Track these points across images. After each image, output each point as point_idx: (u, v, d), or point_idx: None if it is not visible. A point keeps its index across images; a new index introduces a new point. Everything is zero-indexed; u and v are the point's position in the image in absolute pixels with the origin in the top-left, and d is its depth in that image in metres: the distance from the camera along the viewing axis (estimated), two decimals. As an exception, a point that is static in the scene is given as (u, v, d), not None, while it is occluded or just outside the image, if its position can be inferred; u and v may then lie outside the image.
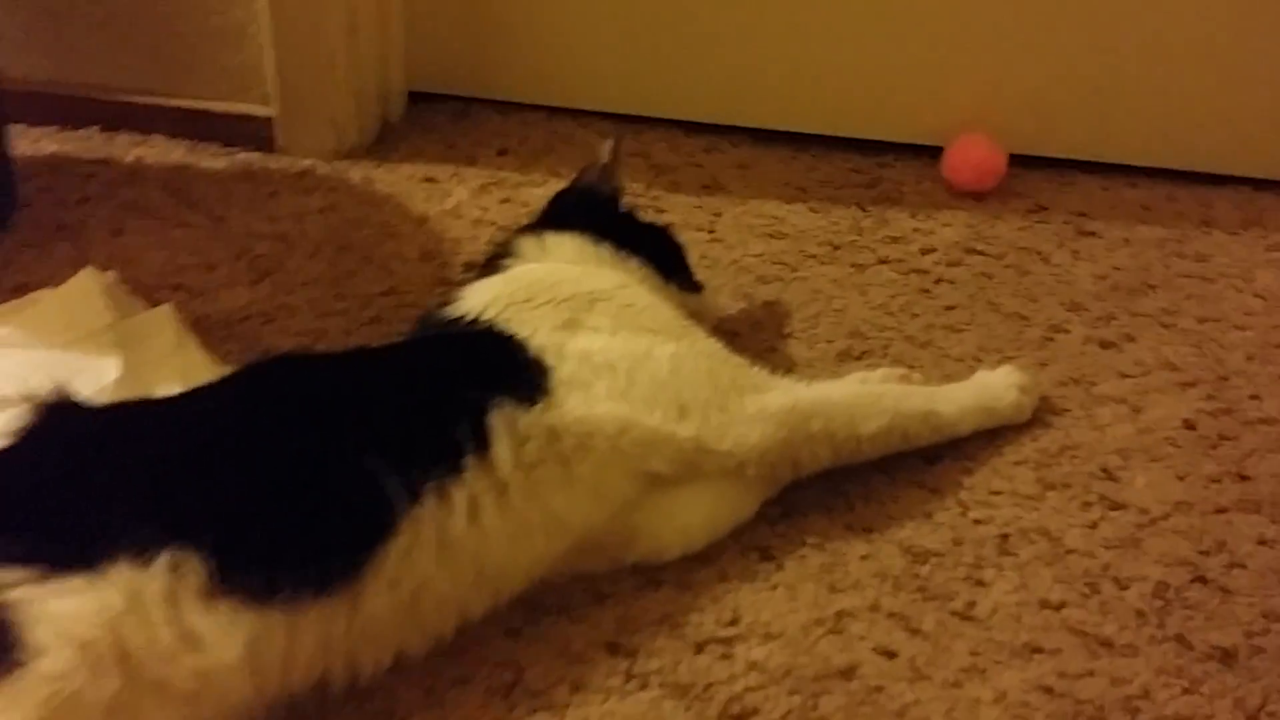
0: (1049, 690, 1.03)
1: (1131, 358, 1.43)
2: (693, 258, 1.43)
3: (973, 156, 1.72)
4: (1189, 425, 1.32)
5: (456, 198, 1.69)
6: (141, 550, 0.90)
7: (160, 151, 1.76)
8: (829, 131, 1.84)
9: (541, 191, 1.70)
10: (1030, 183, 1.76)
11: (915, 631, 1.09)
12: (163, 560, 0.90)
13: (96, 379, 1.24)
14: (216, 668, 0.90)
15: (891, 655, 1.06)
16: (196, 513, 0.93)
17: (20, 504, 0.94)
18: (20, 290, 1.43)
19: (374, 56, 1.79)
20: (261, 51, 1.72)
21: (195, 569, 0.90)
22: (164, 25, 1.74)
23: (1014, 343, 1.45)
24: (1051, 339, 1.46)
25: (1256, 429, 1.32)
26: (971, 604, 1.11)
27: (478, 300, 1.21)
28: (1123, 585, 1.13)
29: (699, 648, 1.07)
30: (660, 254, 1.36)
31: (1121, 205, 1.72)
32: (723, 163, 1.81)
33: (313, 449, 1.00)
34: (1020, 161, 1.76)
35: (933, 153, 1.78)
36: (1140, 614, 1.10)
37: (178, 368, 1.30)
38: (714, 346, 1.23)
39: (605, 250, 1.30)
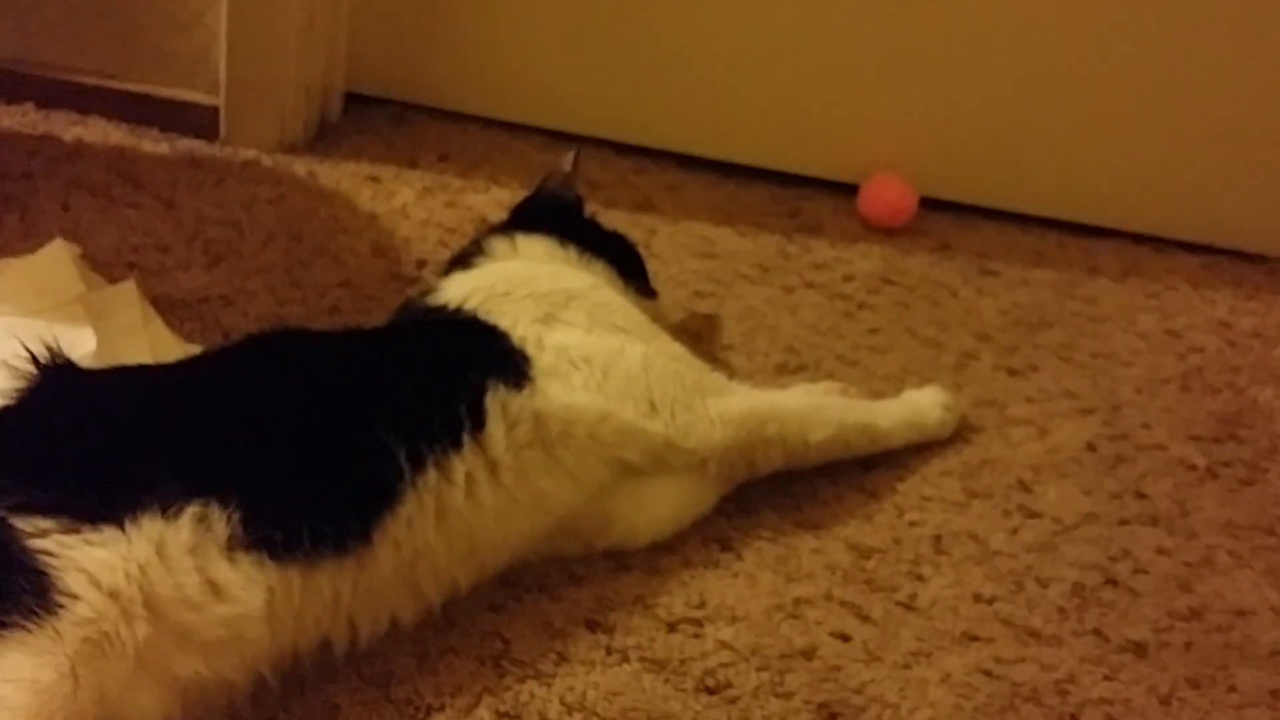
0: (988, 673, 1.14)
1: (1036, 385, 1.56)
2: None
3: (888, 196, 1.85)
4: (1090, 447, 1.46)
5: (402, 198, 1.73)
6: (168, 503, 0.93)
7: (99, 132, 1.75)
8: (752, 162, 1.94)
9: (485, 198, 1.76)
10: (935, 223, 1.89)
11: (865, 619, 1.18)
12: (189, 513, 0.94)
13: (71, 349, 1.25)
14: (239, 618, 0.94)
15: (846, 639, 1.16)
16: (220, 469, 0.97)
17: (44, 457, 0.96)
18: (-29, 259, 1.42)
19: (323, 54, 1.82)
20: (213, 40, 1.73)
21: (220, 522, 0.94)
22: (115, 5, 1.74)
23: (932, 366, 1.57)
24: (965, 365, 1.58)
25: (1150, 453, 1.46)
26: (914, 596, 1.22)
27: (458, 291, 1.27)
28: (1044, 584, 1.25)
29: (671, 627, 1.14)
30: (621, 259, 1.43)
31: (1017, 249, 1.87)
32: (652, 184, 1.90)
33: (327, 415, 1.05)
34: (926, 203, 1.90)
35: (846, 189, 1.90)
36: (1061, 610, 1.22)
37: (145, 342, 1.32)
38: (679, 349, 1.31)
39: (572, 252, 1.38)
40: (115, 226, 1.55)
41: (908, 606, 1.21)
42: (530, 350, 1.18)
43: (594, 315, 1.26)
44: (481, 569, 1.12)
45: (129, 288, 1.38)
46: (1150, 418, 1.53)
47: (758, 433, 1.26)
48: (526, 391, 1.14)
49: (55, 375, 1.03)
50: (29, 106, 1.77)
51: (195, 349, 1.33)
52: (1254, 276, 1.88)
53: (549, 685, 1.07)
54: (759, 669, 1.11)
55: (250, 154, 1.77)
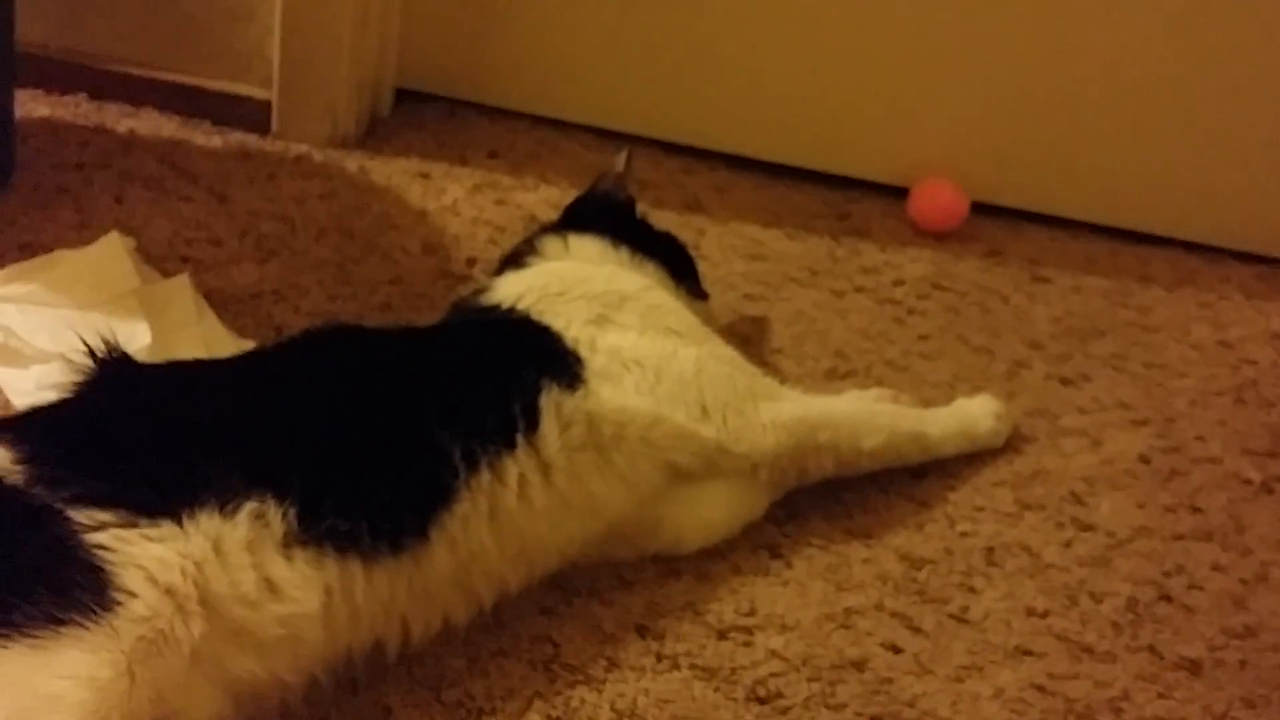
0: (1041, 689, 1.13)
1: (1088, 395, 1.55)
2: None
3: (940, 200, 1.83)
4: (1144, 459, 1.44)
5: (452, 195, 1.73)
6: (226, 499, 0.94)
7: (152, 125, 1.76)
8: (801, 163, 1.93)
9: (534, 196, 1.76)
10: (985, 228, 1.87)
11: (917, 630, 1.18)
12: (247, 509, 0.94)
13: (127, 342, 1.25)
14: (295, 617, 0.94)
15: (898, 651, 1.15)
16: (278, 465, 0.98)
17: (101, 450, 0.96)
18: (28, 250, 1.43)
19: (375, 50, 1.83)
20: (268, 34, 1.74)
21: (277, 519, 0.95)
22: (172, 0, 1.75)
23: (983, 373, 1.56)
24: (1016, 373, 1.57)
25: (1204, 466, 1.44)
26: (965, 608, 1.21)
27: (511, 290, 1.26)
28: (1098, 599, 1.24)
29: (721, 634, 1.14)
30: (673, 260, 1.43)
31: (1069, 256, 1.85)
32: (701, 184, 1.89)
33: (382, 412, 1.06)
34: (976, 208, 1.88)
35: (896, 192, 1.89)
36: (1115, 625, 1.21)
37: (199, 337, 1.33)
38: (732, 353, 1.30)
39: (624, 253, 1.37)
40: (168, 219, 1.56)
41: (960, 619, 1.20)
42: (583, 352, 1.18)
43: (647, 317, 1.26)
44: (532, 570, 1.12)
45: (183, 282, 1.39)
46: (1204, 430, 1.51)
47: (809, 439, 1.25)
48: (580, 393, 1.14)
49: (112, 369, 1.04)
50: (82, 97, 1.78)
51: (248, 344, 1.34)
52: (1311, 288, 1.85)
53: (599, 691, 1.06)
54: (810, 679, 1.10)
55: (302, 149, 1.77)
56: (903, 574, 1.24)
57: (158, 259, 1.47)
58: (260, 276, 1.49)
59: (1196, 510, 1.38)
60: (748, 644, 1.13)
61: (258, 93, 1.78)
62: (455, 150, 1.85)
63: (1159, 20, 1.78)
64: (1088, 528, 1.33)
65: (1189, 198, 1.90)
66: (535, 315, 1.22)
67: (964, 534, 1.30)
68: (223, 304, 1.43)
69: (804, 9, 1.84)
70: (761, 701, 1.08)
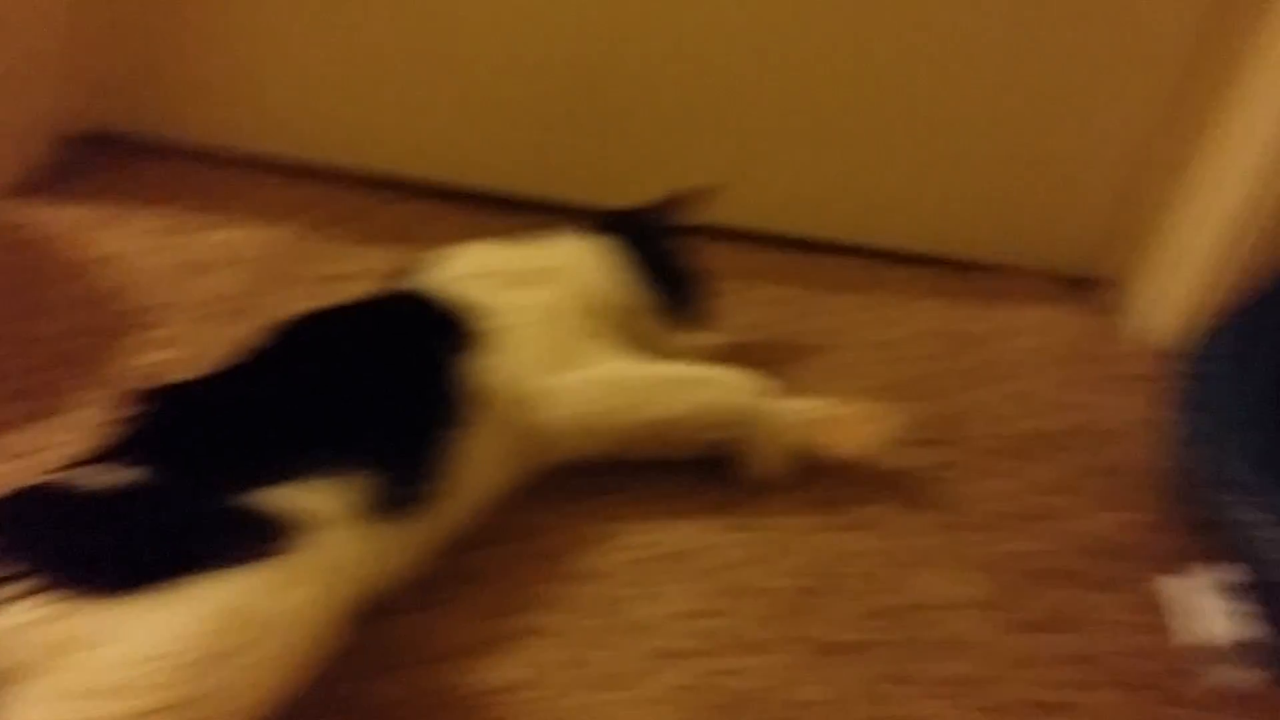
0: (712, 686, 1.21)
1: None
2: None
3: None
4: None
5: (134, 239, 1.71)
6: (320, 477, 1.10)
7: None
8: (517, 193, 1.96)
9: (220, 236, 1.75)
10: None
11: (595, 644, 1.24)
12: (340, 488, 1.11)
13: None
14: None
15: (579, 665, 1.21)
16: (345, 444, 1.14)
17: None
18: None
19: (50, 92, 1.78)
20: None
21: (363, 492, 1.13)
22: None
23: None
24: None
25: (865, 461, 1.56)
26: (642, 616, 1.28)
27: (436, 276, 1.43)
28: (764, 593, 1.34)
29: (393, 671, 1.17)
30: (671, 289, 1.57)
31: (738, 268, 1.95)
32: (410, 215, 1.90)
33: (385, 385, 1.25)
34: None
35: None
36: (779, 618, 1.31)
37: None
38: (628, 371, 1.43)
39: (609, 261, 1.53)
40: None
41: (637, 627, 1.27)
42: (484, 323, 1.34)
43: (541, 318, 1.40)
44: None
45: None
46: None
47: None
48: (492, 362, 1.32)
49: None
50: None
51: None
52: (958, 284, 2.01)
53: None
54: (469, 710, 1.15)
55: (-34, 198, 1.71)
56: (581, 590, 1.30)
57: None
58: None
59: (858, 503, 1.49)
60: (424, 678, 1.17)
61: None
62: (137, 193, 1.81)
63: (809, 45, 1.90)
64: (753, 529, 1.42)
65: (848, 203, 2.02)
66: (451, 295, 1.38)
67: (643, 544, 1.37)
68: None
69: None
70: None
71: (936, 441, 1.64)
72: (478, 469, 1.27)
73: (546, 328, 1.39)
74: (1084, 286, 2.10)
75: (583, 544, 1.36)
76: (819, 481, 1.50)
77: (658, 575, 1.34)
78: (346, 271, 1.70)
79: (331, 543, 1.06)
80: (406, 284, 1.45)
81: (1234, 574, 1.43)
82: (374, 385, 1.24)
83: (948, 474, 1.58)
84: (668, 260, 1.60)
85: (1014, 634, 1.35)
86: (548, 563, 1.33)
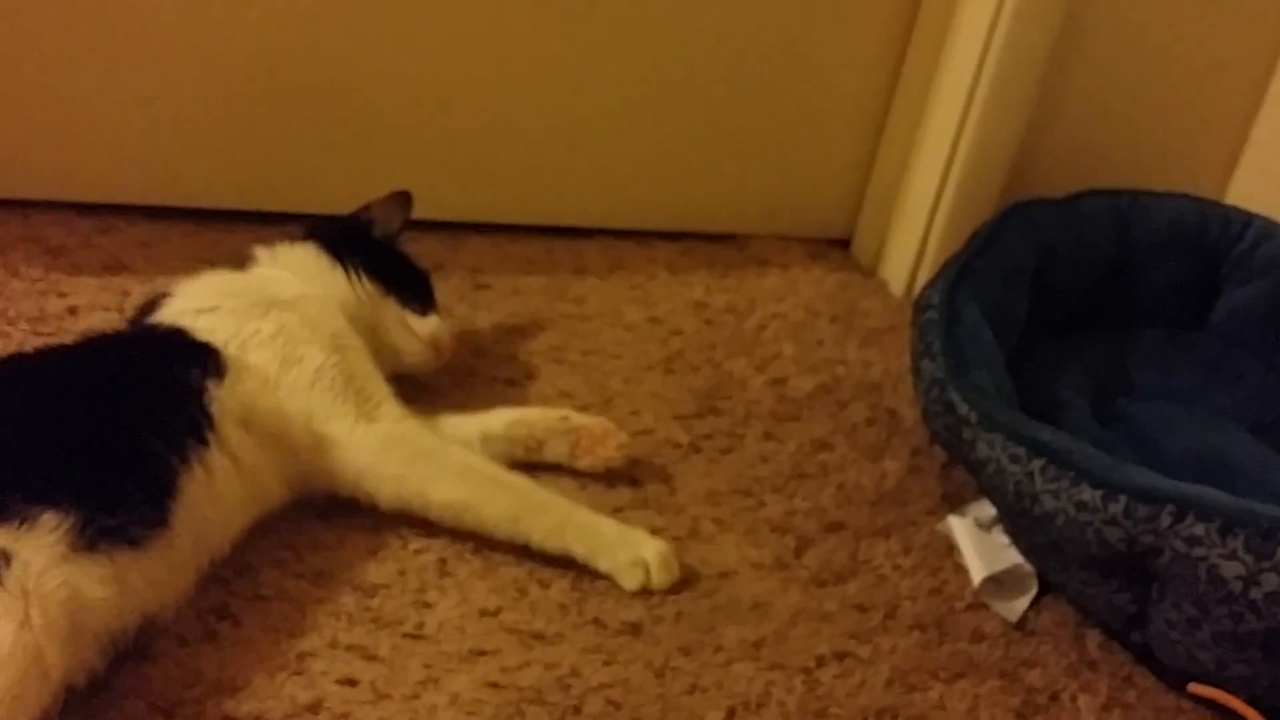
0: (495, 685, 1.17)
1: (533, 391, 1.62)
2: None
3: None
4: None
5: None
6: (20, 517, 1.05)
7: None
8: (227, 206, 1.89)
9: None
10: (427, 244, 1.91)
11: (373, 658, 1.19)
12: (42, 522, 1.06)
13: None
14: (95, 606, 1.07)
15: (353, 683, 1.16)
16: (47, 479, 1.09)
17: None
18: None
19: None
20: None
21: (65, 526, 1.07)
22: None
23: (427, 390, 1.58)
24: (462, 384, 1.62)
25: (639, 438, 1.55)
26: (420, 624, 1.23)
27: (178, 306, 1.37)
28: (545, 585, 1.30)
29: (168, 714, 1.10)
30: (398, 280, 1.54)
31: (508, 260, 1.93)
32: (123, 242, 1.80)
33: (106, 423, 1.18)
34: (416, 225, 1.91)
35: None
36: (563, 606, 1.28)
37: None
38: (360, 370, 1.38)
39: (329, 261, 1.50)
40: None
41: (415, 636, 1.22)
42: (233, 352, 1.31)
43: (288, 325, 1.36)
44: (242, 530, 1.27)
45: None
46: (638, 404, 1.63)
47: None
48: (234, 390, 1.27)
49: None
50: None
51: None
52: (725, 255, 2.04)
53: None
54: (261, 735, 1.09)
55: None
56: (356, 605, 1.24)
57: None
58: None
59: (634, 482, 1.48)
60: (198, 716, 1.10)
61: None
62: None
63: (541, 43, 1.89)
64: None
65: (614, 188, 2.03)
66: (196, 325, 1.33)
67: (416, 551, 1.32)
68: None
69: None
70: (213, 771, 1.05)
71: (708, 412, 1.64)
72: (221, 499, 1.22)
73: (312, 350, 1.35)
74: (843, 248, 2.15)
75: (355, 558, 1.30)
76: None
77: (430, 582, 1.29)
78: (65, 307, 1.60)
79: (33, 576, 1.02)
80: (141, 319, 1.39)
81: (989, 509, 1.48)
82: (84, 421, 1.18)
83: (722, 441, 1.58)
84: (386, 258, 1.57)
85: (804, 589, 1.36)
86: (322, 581, 1.26)
